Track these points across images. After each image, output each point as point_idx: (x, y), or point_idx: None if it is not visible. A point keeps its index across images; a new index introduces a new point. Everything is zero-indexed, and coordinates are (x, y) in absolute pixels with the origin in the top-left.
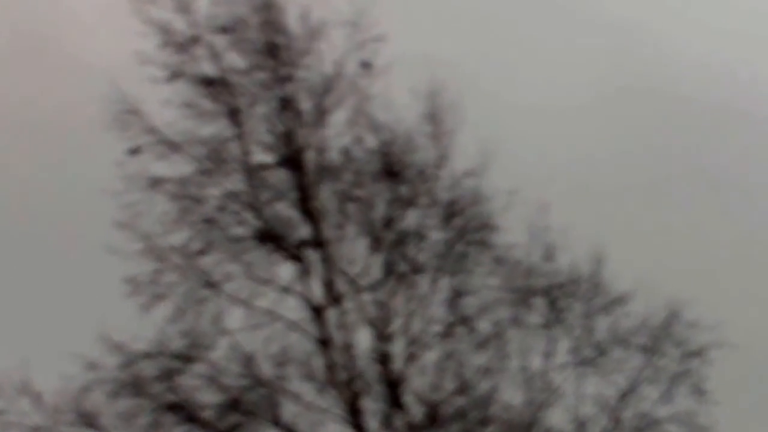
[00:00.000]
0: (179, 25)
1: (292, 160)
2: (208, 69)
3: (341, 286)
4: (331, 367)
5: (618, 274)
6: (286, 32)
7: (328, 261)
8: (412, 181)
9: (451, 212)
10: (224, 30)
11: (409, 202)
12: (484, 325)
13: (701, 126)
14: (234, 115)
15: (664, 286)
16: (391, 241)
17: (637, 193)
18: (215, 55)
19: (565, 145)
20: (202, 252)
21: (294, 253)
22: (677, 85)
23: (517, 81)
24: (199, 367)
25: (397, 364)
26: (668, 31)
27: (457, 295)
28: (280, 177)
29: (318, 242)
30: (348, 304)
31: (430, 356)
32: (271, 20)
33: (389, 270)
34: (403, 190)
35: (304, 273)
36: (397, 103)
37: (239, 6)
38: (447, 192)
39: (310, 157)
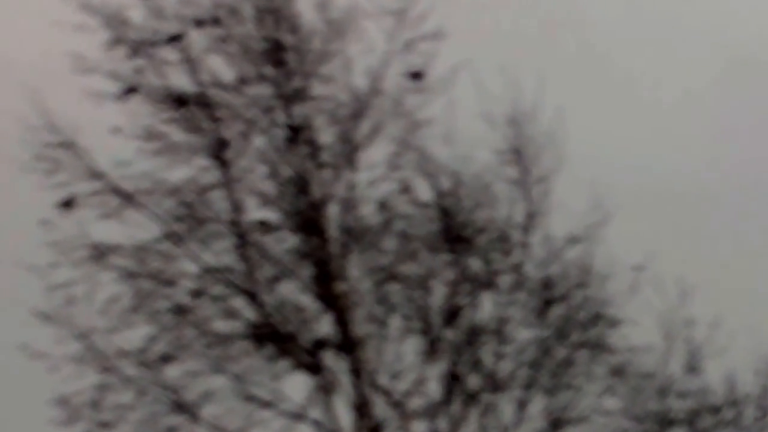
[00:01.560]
0: (136, 14)
1: (305, 219)
2: (179, 81)
3: (380, 410)
4: None
5: None
6: (297, 27)
7: (359, 372)
8: (488, 252)
9: (547, 298)
10: (203, 22)
11: (483, 284)
12: None
13: None
14: (219, 150)
15: None
16: (455, 343)
17: None
18: (191, 61)
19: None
20: (168, 358)
21: (309, 361)
22: None
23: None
24: None
25: None
26: None
27: (557, 424)
28: (288, 244)
29: (345, 344)
30: None
31: None
32: (274, 8)
33: (453, 387)
34: (474, 264)
35: (325, 390)
36: (464, 134)
37: None
38: (541, 268)
39: (332, 215)
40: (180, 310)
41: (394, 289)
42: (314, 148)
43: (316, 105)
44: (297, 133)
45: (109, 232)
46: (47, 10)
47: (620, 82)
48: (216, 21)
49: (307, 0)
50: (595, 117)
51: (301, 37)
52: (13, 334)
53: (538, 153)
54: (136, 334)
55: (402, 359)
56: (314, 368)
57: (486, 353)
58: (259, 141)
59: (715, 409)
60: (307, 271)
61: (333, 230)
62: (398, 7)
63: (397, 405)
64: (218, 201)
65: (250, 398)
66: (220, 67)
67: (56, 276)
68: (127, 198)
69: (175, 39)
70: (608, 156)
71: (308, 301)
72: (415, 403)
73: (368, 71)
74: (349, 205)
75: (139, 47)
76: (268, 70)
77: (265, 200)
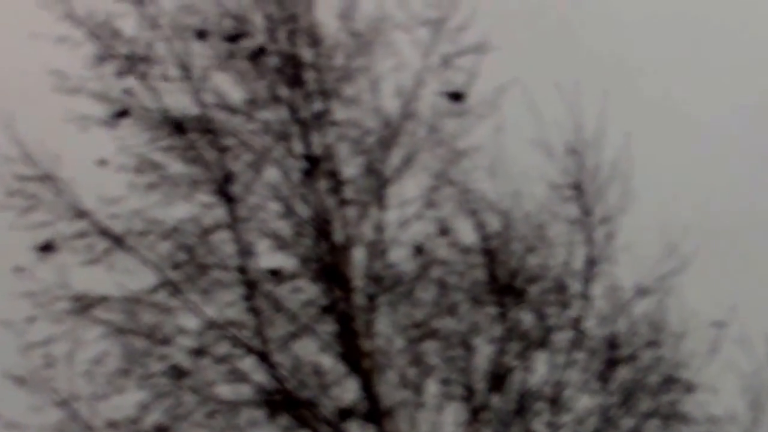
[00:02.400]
0: (128, 25)
1: (326, 266)
2: (178, 103)
3: None
4: None
5: None
6: (317, 40)
7: None
8: (542, 305)
9: (611, 360)
10: (207, 34)
11: (536, 342)
12: None
13: None
14: (224, 184)
15: None
16: (503, 412)
17: None
18: (192, 79)
19: None
20: (165, 430)
21: None
22: None
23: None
24: None
25: None
26: None
27: None
28: (306, 296)
29: (373, 412)
30: None
31: None
32: (290, 18)
33: None
34: (526, 319)
35: None
36: (513, 165)
37: None
38: (604, 324)
39: (357, 261)
40: (178, 373)
41: (430, 348)
42: (336, 182)
43: (338, 131)
44: (316, 165)
45: (94, 280)
46: (23, 20)
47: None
48: (222, 33)
49: (328, 8)
50: (667, 147)
51: (322, 51)
52: None
53: (602, 188)
54: (126, 401)
55: (440, 431)
56: None
57: (539, 424)
58: (271, 174)
59: None
60: (328, 327)
61: (358, 279)
62: (435, 16)
63: None
64: (223, 244)
65: None
66: (227, 87)
67: (33, 332)
68: (116, 241)
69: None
70: (683, 193)
71: (330, 363)
72: None
73: (400, 91)
74: (377, 249)
75: (131, 63)
76: (283, 91)
77: (279, 244)
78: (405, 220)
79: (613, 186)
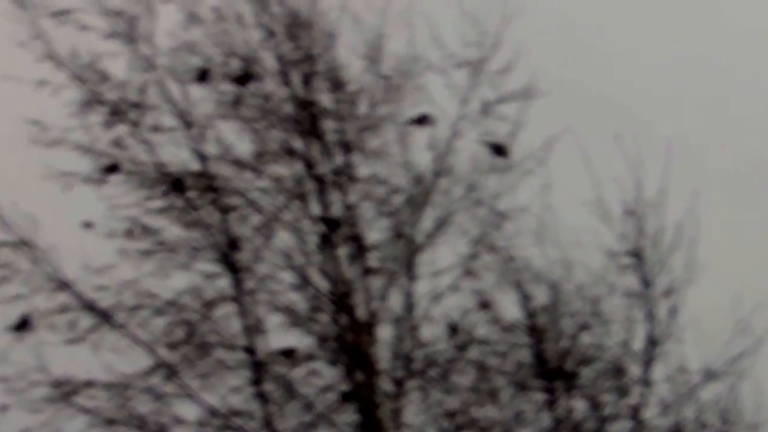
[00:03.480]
0: (116, 66)
1: (347, 346)
2: (176, 156)
3: None
4: None
5: None
6: (339, 83)
7: None
8: (596, 390)
9: None
10: (209, 76)
11: None
12: None
13: None
14: (229, 251)
15: None
16: None
17: None
18: (190, 128)
19: None
20: None
21: None
22: None
23: None
24: None
25: None
26: None
27: None
28: (323, 381)
29: None
30: None
31: None
32: (307, 58)
33: None
34: (578, 407)
35: None
36: (564, 230)
37: (240, 27)
38: (667, 412)
39: (383, 340)
40: None
41: None
42: (359, 248)
43: (361, 190)
44: (335, 229)
45: (78, 363)
46: None
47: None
48: (227, 75)
49: (351, 48)
50: (738, 210)
51: (343, 97)
52: None
53: (665, 256)
54: None
55: None
56: None
57: None
58: (284, 239)
59: None
60: (348, 416)
61: (384, 361)
62: (473, 56)
63: None
64: (228, 320)
65: None
66: (232, 138)
67: (6, 424)
68: (103, 316)
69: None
70: (756, 263)
71: None
72: None
73: (433, 144)
74: (406, 326)
75: (121, 110)
76: (298, 143)
77: (292, 320)
78: (438, 292)
79: (677, 254)
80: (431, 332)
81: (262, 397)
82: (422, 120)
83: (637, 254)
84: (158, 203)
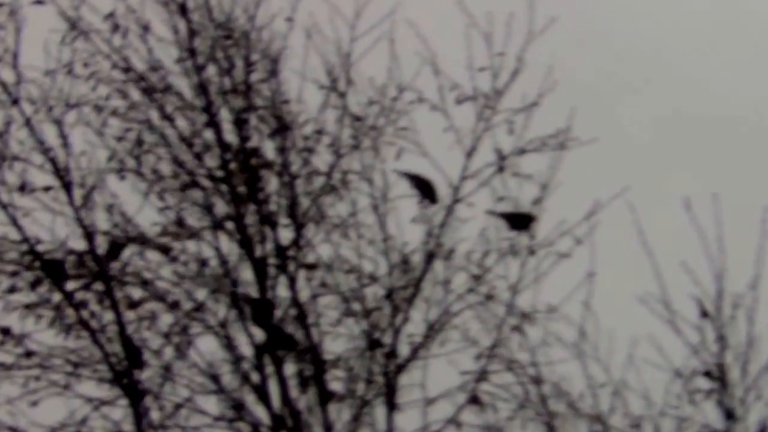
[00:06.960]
0: None
1: None
2: (48, 230)
3: None
4: None
5: None
6: (284, 121)
7: None
8: None
9: None
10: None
11: None
12: None
13: None
14: (125, 367)
15: None
16: None
17: None
18: (71, 189)
19: None
20: None
21: None
22: None
23: None
24: None
25: None
26: None
27: None
28: None
29: None
30: None
31: None
32: (239, 85)
33: None
34: None
35: None
36: (616, 338)
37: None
38: None
39: None
40: None
41: None
42: (315, 364)
43: (319, 279)
44: (280, 336)
45: None
46: None
47: None
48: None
49: (306, 74)
50: None
51: (295, 144)
52: None
53: (759, 379)
54: None
55: None
56: None
57: None
58: (206, 350)
59: None
60: None
61: None
62: (485, 88)
63: None
64: None
65: None
66: (133, 204)
67: None
68: None
69: None
70: None
71: None
72: None
73: (425, 214)
74: None
75: None
76: (228, 210)
77: None
78: (432, 430)
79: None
80: None
81: None
82: (410, 179)
83: (718, 376)
84: (26, 297)
